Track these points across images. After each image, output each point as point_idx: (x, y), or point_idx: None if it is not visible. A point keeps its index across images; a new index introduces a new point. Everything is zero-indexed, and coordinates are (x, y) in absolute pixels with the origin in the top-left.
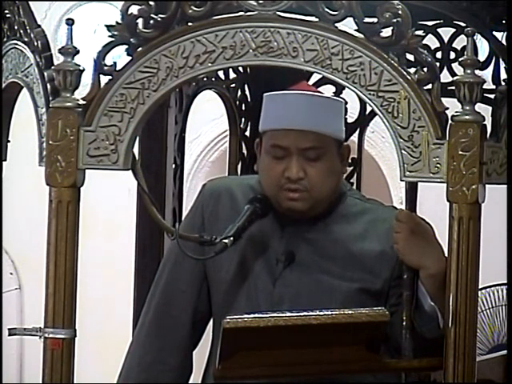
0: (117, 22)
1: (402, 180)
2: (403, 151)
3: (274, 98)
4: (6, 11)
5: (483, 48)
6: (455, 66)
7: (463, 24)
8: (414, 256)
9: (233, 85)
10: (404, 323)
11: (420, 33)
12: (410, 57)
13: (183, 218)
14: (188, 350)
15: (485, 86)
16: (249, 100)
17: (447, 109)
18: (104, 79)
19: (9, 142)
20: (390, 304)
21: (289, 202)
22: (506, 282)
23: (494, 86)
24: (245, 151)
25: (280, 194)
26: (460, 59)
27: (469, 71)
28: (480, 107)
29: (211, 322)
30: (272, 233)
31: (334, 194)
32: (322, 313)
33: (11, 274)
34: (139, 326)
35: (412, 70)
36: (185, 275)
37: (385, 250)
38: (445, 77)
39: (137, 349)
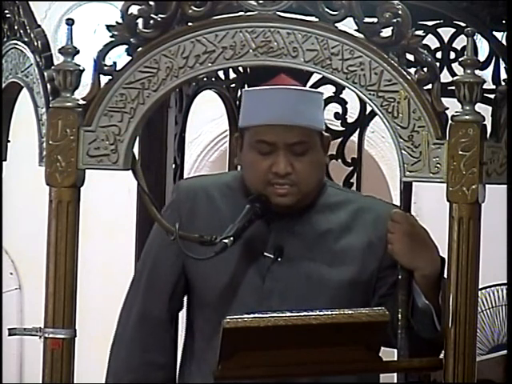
0: (117, 22)
1: (401, 180)
2: (403, 151)
3: (255, 94)
4: (6, 11)
5: (483, 48)
6: (455, 66)
7: (463, 24)
8: (408, 257)
9: (233, 85)
10: (400, 323)
11: (420, 33)
12: (410, 57)
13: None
14: (172, 347)
15: (485, 86)
16: None
17: (447, 109)
18: (104, 79)
19: (9, 141)
20: (379, 295)
21: (277, 197)
22: (506, 281)
23: (494, 86)
24: None
25: (268, 189)
26: (460, 59)
27: (469, 71)
28: (480, 107)
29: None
30: (259, 228)
31: (320, 186)
32: (321, 313)
33: (11, 273)
34: (122, 328)
35: (412, 70)
36: (164, 277)
37: (372, 241)
38: (445, 77)
39: (123, 351)
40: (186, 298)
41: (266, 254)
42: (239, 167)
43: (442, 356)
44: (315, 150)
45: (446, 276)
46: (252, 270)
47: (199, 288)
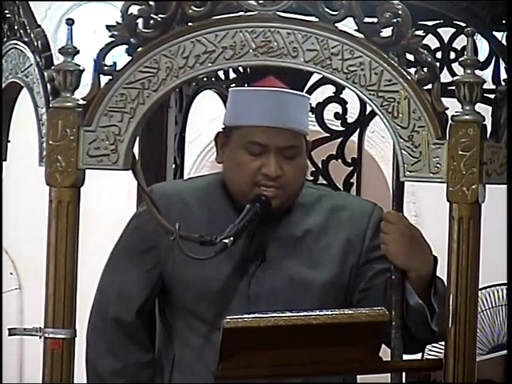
0: (117, 22)
1: (401, 180)
2: (403, 151)
3: (247, 94)
4: (6, 11)
5: (483, 48)
6: (455, 66)
7: (463, 24)
8: (403, 258)
9: (233, 85)
10: (393, 323)
11: (420, 33)
12: (410, 57)
13: (130, 222)
14: (152, 344)
15: (485, 86)
16: None
17: (447, 109)
18: (104, 79)
19: (9, 141)
20: (359, 290)
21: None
22: (506, 281)
23: (494, 86)
24: None
25: (254, 190)
26: (460, 59)
27: (469, 71)
28: (480, 107)
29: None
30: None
31: (301, 190)
32: (321, 313)
33: (11, 274)
34: (99, 334)
35: (412, 70)
36: (133, 288)
37: (350, 238)
38: (445, 77)
39: (103, 357)
40: (162, 300)
41: (250, 258)
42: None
43: (441, 356)
44: (302, 155)
45: (444, 277)
46: (236, 275)
47: (181, 295)
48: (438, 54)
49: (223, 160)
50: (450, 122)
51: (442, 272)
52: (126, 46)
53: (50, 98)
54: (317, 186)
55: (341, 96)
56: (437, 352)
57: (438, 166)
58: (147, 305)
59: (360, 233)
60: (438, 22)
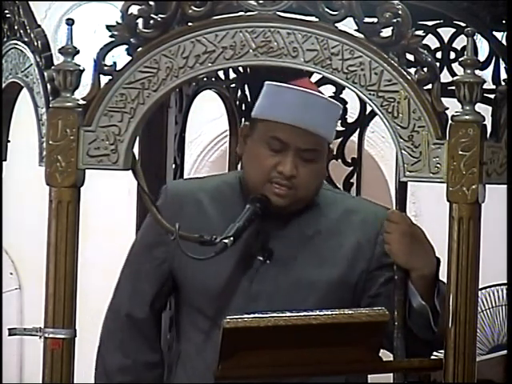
0: (117, 22)
1: (402, 180)
2: (403, 151)
3: (282, 90)
4: (6, 11)
5: (483, 48)
6: (455, 66)
7: (463, 24)
8: (406, 257)
9: (233, 85)
10: (396, 323)
11: (420, 33)
12: (410, 57)
13: (145, 222)
14: (160, 345)
15: (485, 86)
16: (249, 100)
17: (447, 109)
18: (104, 79)
19: (9, 141)
20: (369, 295)
21: (273, 196)
22: (506, 281)
23: (494, 86)
24: None
25: (266, 186)
26: (460, 59)
27: (469, 71)
28: (480, 107)
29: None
30: (247, 230)
31: (314, 195)
32: (322, 313)
33: (11, 274)
34: (111, 329)
35: (412, 70)
36: (147, 281)
37: (360, 242)
38: (445, 77)
39: (113, 353)
40: (172, 299)
41: (255, 256)
42: (239, 166)
43: (442, 356)
44: (321, 160)
45: (444, 277)
46: (240, 272)
47: (187, 291)
48: (438, 54)
49: (244, 151)
50: (450, 122)
51: (442, 272)
52: (126, 46)
53: (50, 98)
54: (334, 189)
55: (341, 96)
56: (437, 352)
57: (438, 166)
58: (158, 300)
59: (371, 237)
60: (438, 22)
